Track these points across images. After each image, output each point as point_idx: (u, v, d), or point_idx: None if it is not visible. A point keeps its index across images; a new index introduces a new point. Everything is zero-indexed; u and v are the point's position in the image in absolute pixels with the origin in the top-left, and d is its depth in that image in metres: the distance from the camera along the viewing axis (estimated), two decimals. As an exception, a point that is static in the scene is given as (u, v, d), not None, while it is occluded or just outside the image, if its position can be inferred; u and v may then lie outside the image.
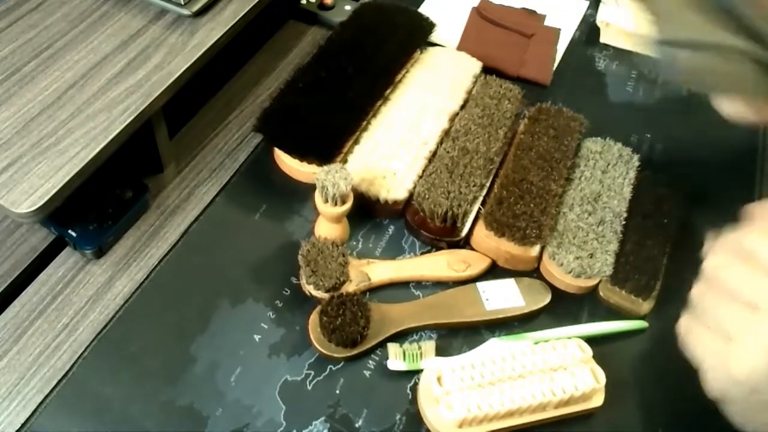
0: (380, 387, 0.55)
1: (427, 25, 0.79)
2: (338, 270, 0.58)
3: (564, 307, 0.61)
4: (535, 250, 0.62)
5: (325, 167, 0.59)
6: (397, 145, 0.67)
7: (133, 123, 0.57)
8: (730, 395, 0.43)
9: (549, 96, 0.77)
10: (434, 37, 0.81)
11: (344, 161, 0.66)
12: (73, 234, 0.60)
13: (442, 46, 0.82)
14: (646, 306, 0.61)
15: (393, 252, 0.64)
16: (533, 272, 0.63)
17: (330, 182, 0.57)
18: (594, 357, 0.55)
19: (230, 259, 0.62)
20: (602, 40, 0.87)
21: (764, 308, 0.40)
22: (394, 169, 0.65)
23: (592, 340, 0.57)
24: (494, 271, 0.63)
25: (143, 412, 0.53)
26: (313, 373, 0.56)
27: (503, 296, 0.60)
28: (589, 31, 0.89)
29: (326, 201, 0.59)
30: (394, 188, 0.64)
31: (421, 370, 0.55)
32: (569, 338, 0.56)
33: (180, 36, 0.64)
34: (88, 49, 0.62)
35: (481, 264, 0.63)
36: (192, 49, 0.63)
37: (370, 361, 0.57)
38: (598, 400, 0.54)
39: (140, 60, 0.61)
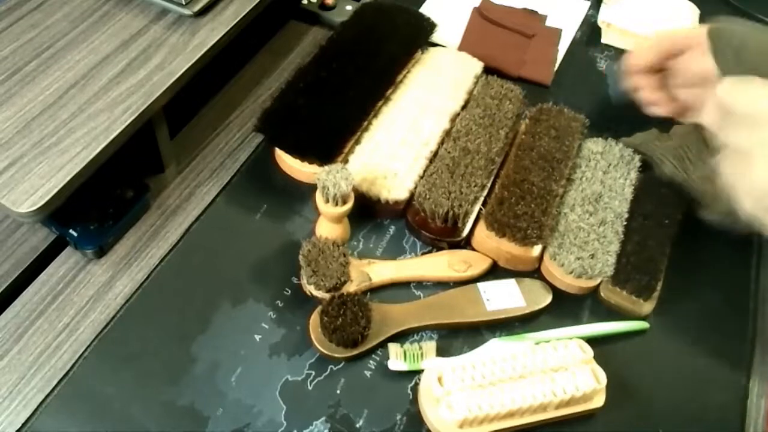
0: (381, 387, 0.55)
1: (428, 26, 0.79)
2: (339, 270, 0.58)
3: (565, 308, 0.61)
4: (536, 250, 0.62)
5: (326, 167, 0.59)
6: (398, 145, 0.67)
7: (134, 123, 0.57)
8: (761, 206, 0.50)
9: (550, 96, 0.77)
10: (435, 37, 0.81)
11: (345, 161, 0.66)
12: (74, 234, 0.60)
13: (443, 46, 0.82)
14: (647, 306, 0.61)
15: (394, 252, 0.64)
16: (534, 273, 0.63)
17: (331, 182, 0.57)
18: (595, 357, 0.55)
19: (231, 259, 0.62)
20: (603, 40, 0.87)
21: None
22: (395, 169, 0.65)
23: (593, 341, 0.57)
24: (495, 272, 0.63)
25: (144, 411, 0.53)
26: (313, 373, 0.56)
27: (504, 296, 0.60)
28: (590, 31, 0.89)
29: (327, 201, 0.59)
30: (395, 188, 0.64)
31: (422, 371, 0.55)
32: (570, 339, 0.56)
33: (181, 36, 0.64)
34: (89, 49, 0.62)
35: (482, 264, 0.63)
36: (193, 49, 0.63)
37: (371, 362, 0.57)
38: (599, 401, 0.54)
39: (141, 60, 0.61)
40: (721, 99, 0.52)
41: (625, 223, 0.63)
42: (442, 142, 0.68)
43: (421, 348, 0.57)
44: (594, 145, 0.69)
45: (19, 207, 0.51)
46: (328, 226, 0.62)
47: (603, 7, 0.90)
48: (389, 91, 0.72)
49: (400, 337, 0.58)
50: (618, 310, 0.61)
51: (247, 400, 0.54)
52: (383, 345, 0.57)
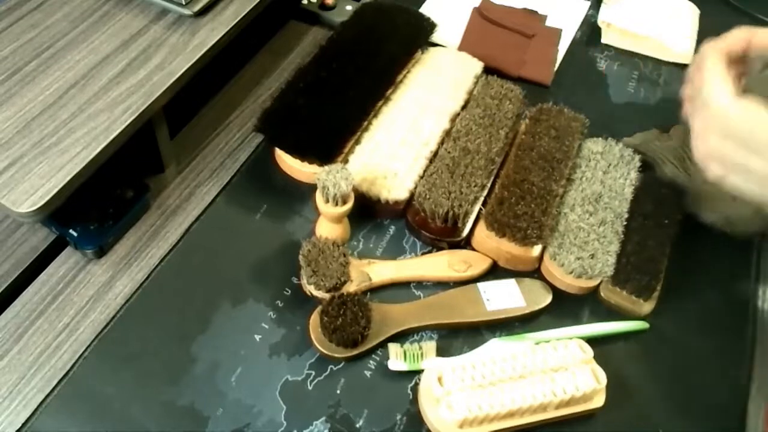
0: (381, 387, 0.55)
1: (429, 26, 0.79)
2: (339, 270, 0.58)
3: (565, 308, 0.61)
4: (536, 250, 0.62)
5: (326, 167, 0.59)
6: (398, 145, 0.67)
7: (134, 123, 0.57)
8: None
9: (550, 96, 0.77)
10: (435, 37, 0.81)
11: (345, 161, 0.66)
12: (74, 234, 0.60)
13: (443, 46, 0.82)
14: (646, 306, 0.61)
15: (394, 252, 0.64)
16: (534, 273, 0.63)
17: (331, 182, 0.57)
18: (595, 357, 0.55)
19: (231, 259, 0.62)
20: (603, 40, 0.87)
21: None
22: (395, 169, 0.65)
23: (593, 341, 0.57)
24: (495, 272, 0.63)
25: (144, 412, 0.53)
26: (313, 373, 0.56)
27: (504, 296, 0.60)
28: (590, 31, 0.89)
29: (327, 201, 0.59)
30: (395, 188, 0.64)
31: (422, 371, 0.55)
32: (570, 339, 0.56)
33: (181, 36, 0.64)
34: (89, 49, 0.62)
35: (482, 264, 0.63)
36: (193, 49, 0.63)
37: (371, 362, 0.57)
38: (599, 401, 0.54)
39: (141, 60, 0.61)
40: (726, 118, 0.50)
41: (625, 223, 0.63)
42: (442, 142, 0.68)
43: (421, 348, 0.57)
44: (594, 145, 0.69)
45: (19, 207, 0.51)
46: (328, 226, 0.62)
47: (603, 7, 0.90)
48: (389, 91, 0.72)
49: (400, 337, 0.58)
50: (618, 310, 0.61)
51: (247, 400, 0.54)
52: (383, 345, 0.57)
